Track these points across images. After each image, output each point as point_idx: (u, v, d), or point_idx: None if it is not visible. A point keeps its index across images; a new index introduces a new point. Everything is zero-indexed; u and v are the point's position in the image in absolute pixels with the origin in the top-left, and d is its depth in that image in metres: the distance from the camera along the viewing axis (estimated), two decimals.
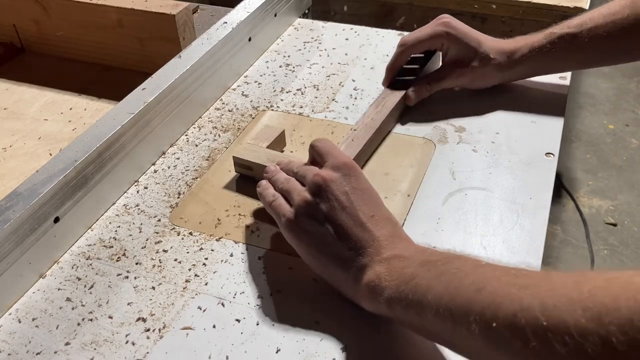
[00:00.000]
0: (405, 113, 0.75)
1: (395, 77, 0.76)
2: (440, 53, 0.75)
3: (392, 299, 0.45)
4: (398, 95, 0.73)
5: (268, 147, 0.67)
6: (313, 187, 0.52)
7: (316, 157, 0.56)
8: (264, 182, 0.59)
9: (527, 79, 0.77)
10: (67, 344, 0.51)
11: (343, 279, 0.50)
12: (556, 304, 0.33)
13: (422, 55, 0.77)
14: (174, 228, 0.61)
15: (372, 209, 0.51)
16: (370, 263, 0.48)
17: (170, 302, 0.54)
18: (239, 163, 0.66)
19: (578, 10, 1.05)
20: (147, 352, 0.50)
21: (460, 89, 0.77)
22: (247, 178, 0.67)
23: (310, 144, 0.57)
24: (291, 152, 0.71)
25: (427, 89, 0.75)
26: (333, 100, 0.79)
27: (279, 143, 0.70)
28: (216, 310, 0.53)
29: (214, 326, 0.51)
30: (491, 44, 0.72)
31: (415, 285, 0.43)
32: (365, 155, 0.68)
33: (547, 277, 0.36)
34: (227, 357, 0.49)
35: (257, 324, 0.51)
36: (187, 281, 0.56)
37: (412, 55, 0.76)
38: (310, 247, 0.51)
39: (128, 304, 0.54)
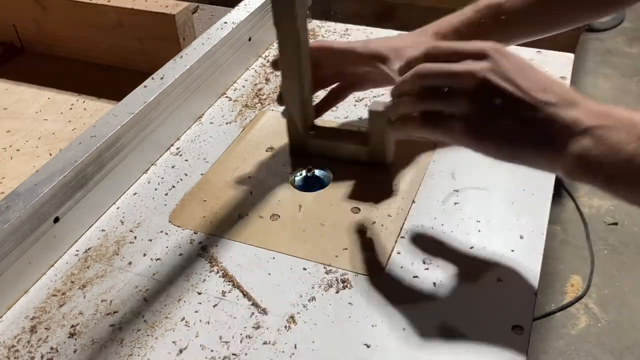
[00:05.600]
0: None
1: None
2: None
3: (611, 177, 0.44)
4: None
5: None
6: (472, 84, 0.49)
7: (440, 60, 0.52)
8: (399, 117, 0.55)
9: None
10: (66, 344, 0.51)
11: (540, 160, 0.48)
12: None
13: None
14: (174, 228, 0.61)
15: (541, 82, 0.49)
16: (569, 136, 0.46)
17: (171, 301, 0.54)
18: None
19: None
20: (149, 350, 0.50)
21: None
22: (246, 178, 0.67)
23: (419, 58, 0.53)
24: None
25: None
26: None
27: None
28: (216, 307, 0.53)
29: (208, 321, 0.52)
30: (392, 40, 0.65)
31: None
32: None
33: None
34: (228, 348, 0.49)
35: (258, 322, 0.52)
36: (187, 280, 0.56)
37: None
38: (497, 143, 0.49)
39: (129, 304, 0.54)
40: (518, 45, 0.78)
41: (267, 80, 0.84)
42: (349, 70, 0.68)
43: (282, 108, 0.67)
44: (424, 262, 0.56)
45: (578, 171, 0.46)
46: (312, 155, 0.68)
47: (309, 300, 0.53)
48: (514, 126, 0.48)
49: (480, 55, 0.50)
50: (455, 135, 0.51)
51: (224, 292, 0.54)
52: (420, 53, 0.53)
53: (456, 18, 0.66)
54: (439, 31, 0.66)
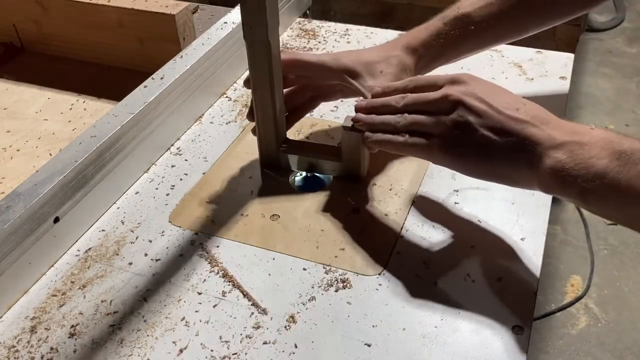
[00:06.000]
0: None
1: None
2: None
3: (586, 191, 0.46)
4: None
5: None
6: (448, 106, 0.52)
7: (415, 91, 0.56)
8: (377, 133, 0.57)
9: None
10: (66, 344, 0.51)
11: (516, 175, 0.50)
12: None
13: None
14: (174, 228, 0.61)
15: (513, 102, 0.51)
16: (543, 150, 0.48)
17: (171, 301, 0.54)
18: None
19: None
20: (149, 350, 0.50)
21: None
22: (246, 178, 0.67)
23: (397, 87, 0.57)
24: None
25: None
26: None
27: None
28: (216, 308, 0.53)
29: (208, 321, 0.52)
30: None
31: (612, 181, 0.44)
32: None
33: None
34: (228, 348, 0.49)
35: (258, 322, 0.52)
36: (187, 280, 0.56)
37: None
38: (472, 159, 0.51)
39: (129, 304, 0.54)
40: (517, 45, 0.78)
41: None
42: (318, 83, 0.68)
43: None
44: (423, 262, 0.56)
45: (554, 185, 0.48)
46: (285, 169, 0.67)
47: (308, 300, 0.53)
48: (489, 142, 0.50)
49: (454, 82, 0.53)
50: (434, 153, 0.53)
51: (224, 292, 0.54)
52: (400, 84, 0.57)
53: (425, 31, 0.67)
54: (408, 44, 0.66)
